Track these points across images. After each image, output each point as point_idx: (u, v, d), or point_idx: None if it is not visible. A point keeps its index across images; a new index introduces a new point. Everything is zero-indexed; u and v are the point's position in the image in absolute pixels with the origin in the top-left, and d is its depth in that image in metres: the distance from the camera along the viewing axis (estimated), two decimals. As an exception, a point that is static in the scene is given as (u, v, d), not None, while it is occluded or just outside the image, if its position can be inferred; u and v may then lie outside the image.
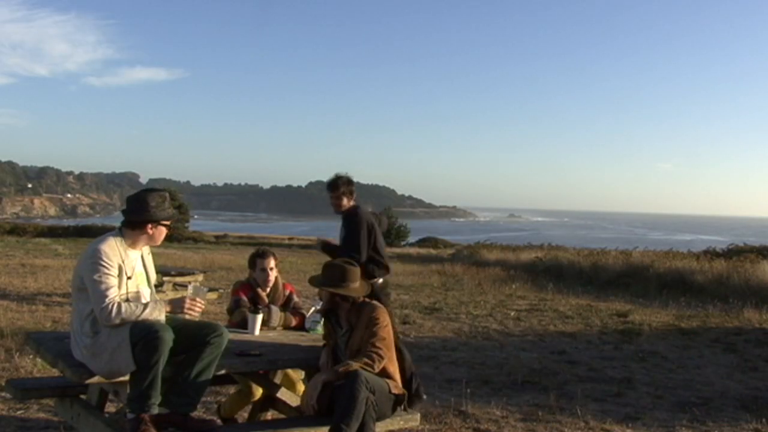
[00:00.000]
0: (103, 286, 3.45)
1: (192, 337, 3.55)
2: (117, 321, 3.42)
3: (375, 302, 4.06)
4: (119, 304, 3.45)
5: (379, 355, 3.84)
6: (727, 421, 5.48)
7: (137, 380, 3.41)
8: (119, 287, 3.53)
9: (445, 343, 8.29)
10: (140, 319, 3.47)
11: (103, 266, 3.48)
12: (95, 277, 3.46)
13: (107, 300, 3.43)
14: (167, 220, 3.75)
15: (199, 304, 3.74)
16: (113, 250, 3.56)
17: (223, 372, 3.80)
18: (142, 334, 3.37)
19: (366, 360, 3.79)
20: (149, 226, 3.69)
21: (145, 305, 3.54)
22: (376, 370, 3.81)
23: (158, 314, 3.55)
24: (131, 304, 3.52)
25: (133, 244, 3.69)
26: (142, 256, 3.78)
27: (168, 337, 3.40)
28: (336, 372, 3.77)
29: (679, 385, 6.61)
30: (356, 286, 4.03)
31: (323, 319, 4.22)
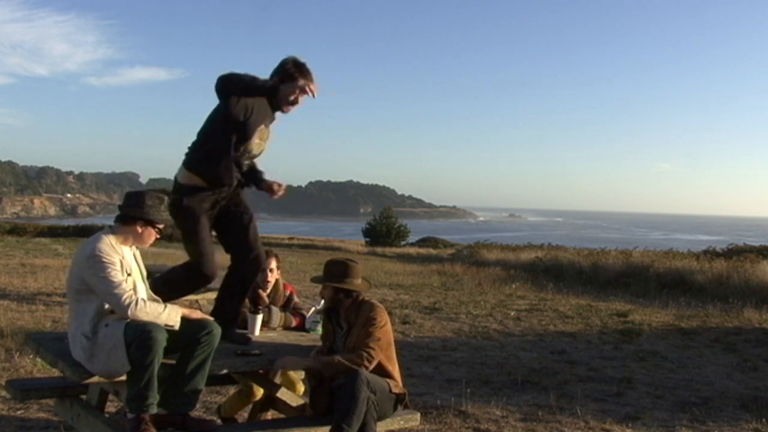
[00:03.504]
0: (115, 282, 3.43)
1: (183, 336, 3.54)
2: (141, 315, 3.41)
3: (374, 301, 4.07)
4: (143, 300, 3.46)
5: (370, 355, 3.83)
6: (727, 421, 5.48)
7: (133, 381, 3.40)
8: None
9: (445, 343, 8.29)
10: (159, 319, 3.45)
11: (107, 263, 3.46)
12: (102, 275, 3.43)
13: (125, 294, 3.41)
14: (159, 223, 3.73)
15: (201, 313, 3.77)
16: (110, 247, 3.55)
17: (223, 372, 3.81)
18: (136, 334, 3.36)
19: (355, 359, 3.80)
20: (139, 223, 3.68)
21: (165, 306, 3.54)
22: (366, 370, 3.80)
23: (175, 315, 3.53)
24: (155, 303, 3.53)
25: (123, 241, 3.67)
26: (133, 254, 3.78)
27: (161, 337, 3.39)
28: (318, 360, 3.87)
29: (679, 385, 6.62)
30: (358, 282, 4.04)
31: (324, 319, 4.22)
